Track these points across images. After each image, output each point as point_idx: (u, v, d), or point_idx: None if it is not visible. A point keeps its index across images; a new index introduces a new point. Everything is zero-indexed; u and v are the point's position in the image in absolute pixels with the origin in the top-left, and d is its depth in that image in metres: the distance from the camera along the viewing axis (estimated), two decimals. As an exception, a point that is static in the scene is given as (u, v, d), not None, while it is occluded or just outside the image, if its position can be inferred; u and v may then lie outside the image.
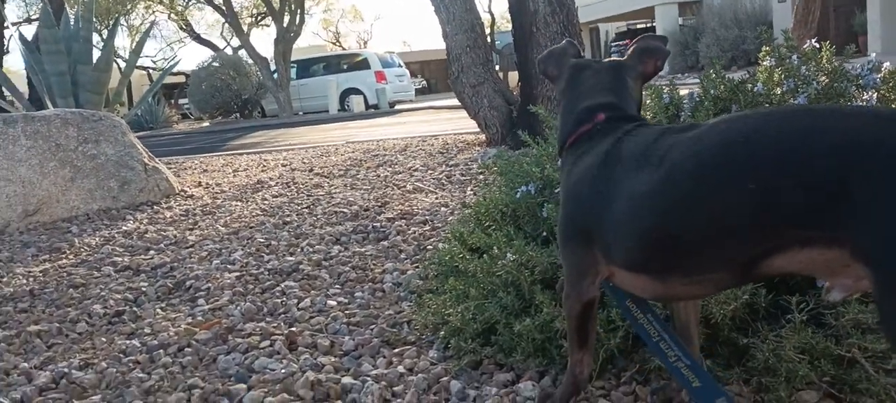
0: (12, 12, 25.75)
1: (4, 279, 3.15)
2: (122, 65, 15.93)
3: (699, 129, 1.17)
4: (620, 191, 1.23)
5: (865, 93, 1.83)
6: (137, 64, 13.95)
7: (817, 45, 1.96)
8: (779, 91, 1.94)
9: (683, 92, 2.21)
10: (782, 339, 1.41)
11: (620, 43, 23.50)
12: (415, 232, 3.19)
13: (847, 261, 1.00)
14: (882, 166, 0.96)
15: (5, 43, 16.16)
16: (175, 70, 25.24)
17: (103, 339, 2.28)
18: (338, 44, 38.55)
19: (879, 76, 1.83)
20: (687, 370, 1.22)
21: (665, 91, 2.20)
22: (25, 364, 2.10)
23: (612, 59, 1.59)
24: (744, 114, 1.17)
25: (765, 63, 2.04)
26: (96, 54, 7.71)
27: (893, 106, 1.82)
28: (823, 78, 1.89)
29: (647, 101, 2.24)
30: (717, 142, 1.12)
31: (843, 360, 1.41)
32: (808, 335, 1.39)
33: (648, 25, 23.10)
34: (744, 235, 1.07)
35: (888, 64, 1.91)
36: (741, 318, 1.56)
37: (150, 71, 29.63)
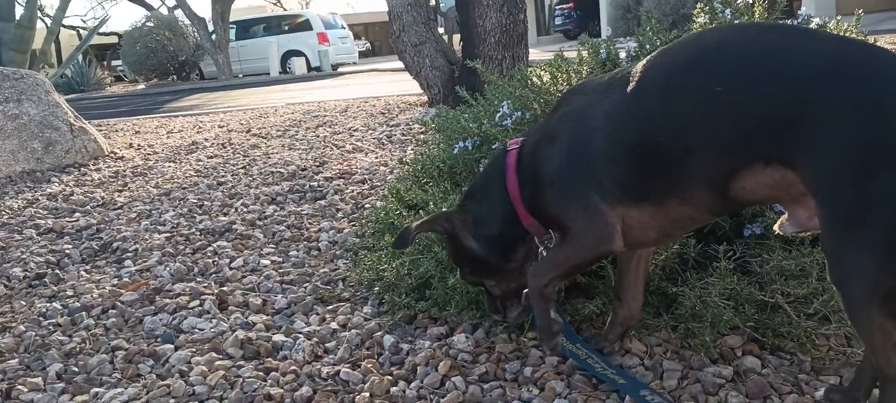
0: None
1: (-83, 243, 2.98)
2: (49, 23, 15.18)
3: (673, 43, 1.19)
4: (597, 117, 1.22)
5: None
6: (68, 24, 13.31)
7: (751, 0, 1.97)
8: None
9: (623, 54, 2.20)
10: (708, 286, 1.43)
11: (564, 6, 23.48)
12: (353, 192, 3.14)
13: (801, 188, 1.00)
14: (837, 95, 0.94)
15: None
16: (107, 30, 24.17)
17: (22, 302, 2.18)
18: (279, 4, 37.48)
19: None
20: (612, 373, 1.36)
21: (603, 46, 2.19)
22: (-64, 330, 1.99)
23: None
24: (719, 27, 1.18)
25: (699, 20, 2.04)
26: (19, 11, 7.31)
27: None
28: (755, 32, 1.91)
29: (585, 56, 2.23)
30: (691, 49, 1.14)
31: (767, 305, 1.44)
32: (733, 281, 1.42)
33: (591, -11, 23.07)
34: (714, 146, 1.07)
35: (818, 18, 1.94)
36: (671, 268, 1.58)
37: (80, 31, 28.35)
